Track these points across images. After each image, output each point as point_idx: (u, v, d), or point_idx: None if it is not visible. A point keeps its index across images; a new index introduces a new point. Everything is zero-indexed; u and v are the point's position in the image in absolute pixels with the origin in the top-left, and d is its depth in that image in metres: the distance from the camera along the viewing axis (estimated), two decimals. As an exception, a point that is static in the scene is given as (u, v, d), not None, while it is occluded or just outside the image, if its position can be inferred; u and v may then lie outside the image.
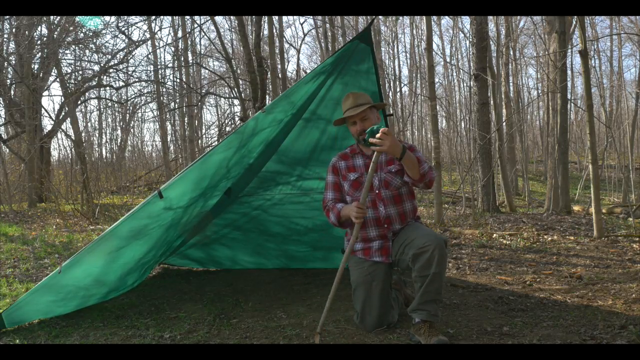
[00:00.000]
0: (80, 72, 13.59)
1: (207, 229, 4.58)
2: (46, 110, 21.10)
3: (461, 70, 21.03)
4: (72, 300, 3.30)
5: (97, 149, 19.61)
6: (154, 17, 12.31)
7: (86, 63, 13.83)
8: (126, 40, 12.93)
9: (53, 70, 12.94)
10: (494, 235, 6.33)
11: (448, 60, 22.80)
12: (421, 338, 2.62)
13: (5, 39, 12.69)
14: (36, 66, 12.81)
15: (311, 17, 15.33)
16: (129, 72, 14.15)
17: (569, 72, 12.12)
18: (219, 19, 16.56)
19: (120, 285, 3.62)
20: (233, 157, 3.28)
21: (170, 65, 15.93)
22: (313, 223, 4.43)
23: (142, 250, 3.35)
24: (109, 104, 18.28)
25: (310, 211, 4.37)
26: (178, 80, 15.20)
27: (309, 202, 4.35)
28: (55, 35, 11.49)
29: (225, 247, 4.80)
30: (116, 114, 19.77)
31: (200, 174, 3.12)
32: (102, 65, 12.77)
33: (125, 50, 12.91)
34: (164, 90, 15.14)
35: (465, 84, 21.08)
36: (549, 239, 5.97)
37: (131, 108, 18.69)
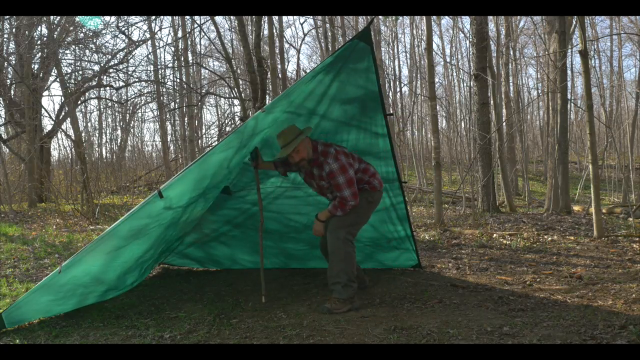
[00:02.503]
0: (80, 72, 13.58)
1: (204, 226, 4.57)
2: (46, 110, 21.11)
3: (461, 70, 21.04)
4: (70, 299, 3.30)
5: (97, 149, 19.63)
6: (154, 17, 12.30)
7: (86, 63, 13.84)
8: (126, 40, 12.94)
9: (53, 70, 12.93)
10: (494, 235, 6.32)
11: (448, 60, 22.81)
12: None
13: (5, 39, 12.68)
14: (36, 66, 12.80)
15: (311, 17, 15.32)
16: (129, 72, 14.14)
17: (569, 72, 12.10)
18: (219, 19, 16.54)
19: (120, 284, 3.61)
20: (234, 158, 3.28)
21: (170, 65, 15.91)
22: (309, 219, 4.41)
23: (141, 249, 3.35)
24: (109, 104, 18.29)
25: (305, 207, 4.36)
26: (178, 80, 15.17)
27: (303, 196, 4.33)
28: (55, 35, 11.48)
29: (224, 246, 4.79)
30: (116, 114, 19.79)
31: (200, 174, 3.12)
32: (102, 65, 12.76)
33: (125, 50, 12.90)
34: (164, 90, 15.14)
35: (465, 84, 21.08)
36: (549, 239, 5.96)
37: (131, 108, 18.69)
